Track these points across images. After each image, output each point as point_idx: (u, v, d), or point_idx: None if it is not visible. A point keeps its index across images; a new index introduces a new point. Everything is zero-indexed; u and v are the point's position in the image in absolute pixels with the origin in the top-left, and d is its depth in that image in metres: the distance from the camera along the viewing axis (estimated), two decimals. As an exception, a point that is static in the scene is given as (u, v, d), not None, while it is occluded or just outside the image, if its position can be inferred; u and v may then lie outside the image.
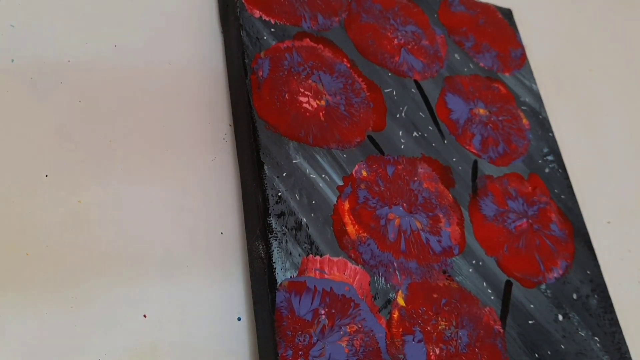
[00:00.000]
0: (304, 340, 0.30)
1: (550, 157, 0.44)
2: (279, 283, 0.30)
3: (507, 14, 0.51)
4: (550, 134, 0.46)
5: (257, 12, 0.39)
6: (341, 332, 0.31)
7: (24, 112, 0.33)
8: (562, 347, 0.36)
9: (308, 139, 0.36)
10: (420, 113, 0.41)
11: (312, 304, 0.31)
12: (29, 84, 0.34)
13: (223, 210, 0.35)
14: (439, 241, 0.36)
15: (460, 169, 0.40)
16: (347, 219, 0.34)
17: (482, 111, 0.44)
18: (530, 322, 0.36)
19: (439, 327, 0.33)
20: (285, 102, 0.36)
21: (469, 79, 0.45)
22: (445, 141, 0.41)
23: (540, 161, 0.44)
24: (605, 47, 0.57)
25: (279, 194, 0.33)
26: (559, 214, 0.42)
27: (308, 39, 0.40)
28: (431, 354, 0.32)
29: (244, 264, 0.34)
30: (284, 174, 0.34)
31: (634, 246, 0.46)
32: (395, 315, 0.32)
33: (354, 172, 0.36)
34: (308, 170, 0.35)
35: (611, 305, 0.39)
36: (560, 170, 0.44)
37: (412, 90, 0.41)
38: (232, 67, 0.38)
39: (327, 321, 0.30)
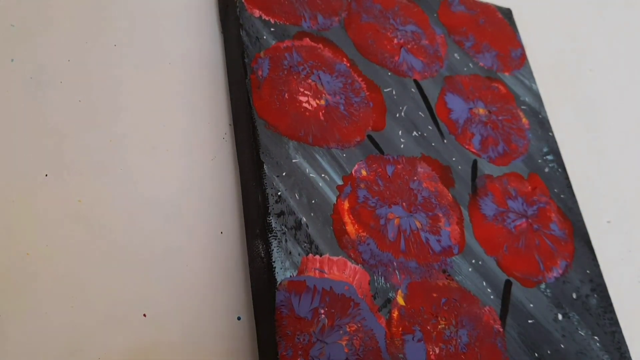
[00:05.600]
0: (304, 340, 0.30)
1: (550, 157, 0.44)
2: (278, 282, 0.30)
3: (507, 13, 0.51)
4: (550, 134, 0.46)
5: (257, 11, 0.39)
6: (341, 332, 0.31)
7: (24, 112, 0.33)
8: (562, 346, 0.36)
9: (308, 138, 0.36)
10: (420, 113, 0.41)
11: (311, 303, 0.31)
12: (29, 84, 0.34)
13: (223, 210, 0.35)
14: (439, 241, 0.36)
15: (460, 168, 0.40)
16: (346, 218, 0.34)
17: (481, 111, 0.44)
18: (530, 321, 0.36)
19: (439, 327, 0.33)
20: (285, 101, 0.36)
21: (468, 79, 0.45)
22: (445, 141, 0.41)
23: (540, 161, 0.44)
24: (606, 47, 0.57)
25: (279, 193, 0.33)
26: (558, 213, 0.42)
27: (308, 39, 0.40)
28: (431, 353, 0.32)
29: (244, 264, 0.34)
30: (284, 174, 0.34)
31: (634, 246, 0.46)
32: (395, 314, 0.32)
33: (353, 172, 0.36)
34: (308, 169, 0.35)
35: (611, 305, 0.39)
36: (560, 170, 0.44)
37: (412, 89, 0.41)
38: (232, 66, 0.38)
39: (326, 320, 0.30)
